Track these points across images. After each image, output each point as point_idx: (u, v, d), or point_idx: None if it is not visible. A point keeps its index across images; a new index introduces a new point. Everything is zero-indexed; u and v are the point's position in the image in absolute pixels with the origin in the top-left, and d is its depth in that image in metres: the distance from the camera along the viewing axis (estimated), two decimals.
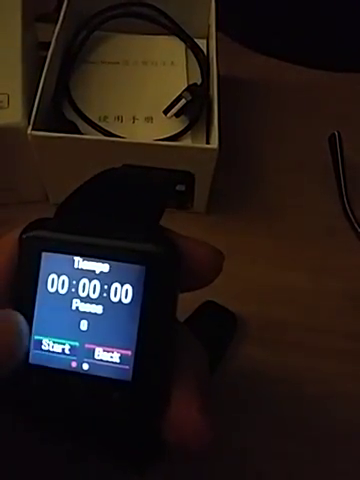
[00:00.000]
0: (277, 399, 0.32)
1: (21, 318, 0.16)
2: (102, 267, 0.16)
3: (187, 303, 0.32)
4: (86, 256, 0.16)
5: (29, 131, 0.32)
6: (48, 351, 0.16)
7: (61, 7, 0.39)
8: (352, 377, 0.33)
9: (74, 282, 0.16)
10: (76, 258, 0.16)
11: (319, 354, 0.34)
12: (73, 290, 0.16)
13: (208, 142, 0.36)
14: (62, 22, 0.38)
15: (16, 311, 0.16)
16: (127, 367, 0.16)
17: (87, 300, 0.16)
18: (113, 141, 0.34)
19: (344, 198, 0.39)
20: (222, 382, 0.32)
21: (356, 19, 0.47)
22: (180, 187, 0.22)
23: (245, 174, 0.41)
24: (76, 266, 0.16)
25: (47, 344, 0.16)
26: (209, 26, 0.41)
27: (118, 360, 0.16)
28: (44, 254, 0.16)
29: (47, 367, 0.16)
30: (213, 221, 0.39)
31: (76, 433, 0.17)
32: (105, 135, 0.36)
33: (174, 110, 0.36)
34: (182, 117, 0.37)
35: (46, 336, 0.16)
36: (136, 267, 0.16)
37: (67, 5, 0.39)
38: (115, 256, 0.16)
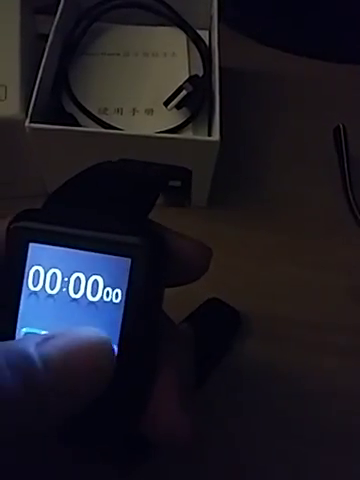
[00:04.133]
0: (280, 396, 0.31)
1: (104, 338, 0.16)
2: (88, 259, 0.16)
3: (190, 300, 0.32)
4: (72, 248, 0.16)
5: (27, 123, 0.31)
6: None
7: None
8: (356, 374, 0.33)
9: (60, 274, 0.16)
10: (62, 250, 0.16)
11: (323, 350, 0.33)
12: (59, 282, 0.16)
13: (210, 134, 0.36)
14: (61, 13, 0.37)
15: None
16: None
17: (72, 292, 0.16)
18: (112, 133, 0.33)
19: (349, 191, 0.39)
20: (224, 379, 0.31)
21: (358, 10, 0.46)
22: (175, 183, 0.21)
23: (248, 167, 0.41)
24: (62, 258, 0.16)
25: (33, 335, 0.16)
26: (211, 17, 0.40)
27: None
28: (31, 245, 0.16)
29: None
30: (215, 215, 0.38)
31: (57, 430, 0.17)
32: (104, 127, 0.35)
33: (175, 102, 0.35)
34: (183, 109, 0.36)
35: (31, 328, 0.16)
36: (122, 259, 0.16)
37: None
38: (101, 248, 0.16)
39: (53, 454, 0.25)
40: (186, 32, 0.41)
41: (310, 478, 0.30)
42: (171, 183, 0.21)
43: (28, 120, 0.31)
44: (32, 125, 0.31)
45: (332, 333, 0.34)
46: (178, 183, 0.22)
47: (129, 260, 0.16)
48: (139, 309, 0.16)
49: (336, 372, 0.32)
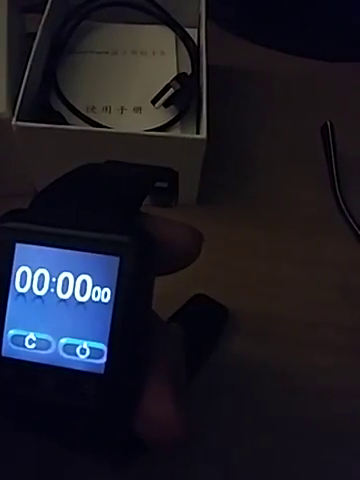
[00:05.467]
0: (276, 395, 0.31)
1: None
2: (75, 259, 0.16)
3: (177, 296, 0.32)
4: (59, 247, 0.16)
5: (13, 122, 0.31)
6: (21, 344, 0.16)
7: None
8: (348, 371, 0.33)
9: (47, 274, 0.16)
10: (50, 250, 0.16)
11: (314, 348, 0.33)
12: (46, 282, 0.16)
13: (198, 132, 0.36)
14: (49, 11, 0.37)
15: None
16: (100, 360, 0.16)
17: (60, 293, 0.16)
18: (100, 132, 0.33)
19: (336, 189, 0.39)
20: (214, 377, 0.31)
21: (349, 8, 0.46)
22: (162, 184, 0.21)
23: (236, 165, 0.41)
24: (50, 258, 0.16)
25: (20, 337, 0.16)
26: (199, 15, 0.40)
27: (91, 353, 0.16)
28: (18, 245, 0.16)
29: (19, 360, 0.16)
30: (204, 213, 0.38)
31: (48, 428, 0.17)
32: (92, 126, 0.35)
33: (162, 100, 0.35)
34: (171, 107, 0.36)
35: (19, 330, 0.16)
36: (110, 258, 0.16)
37: None
38: (89, 247, 0.16)
39: (48, 451, 0.25)
40: (175, 30, 0.41)
41: (308, 477, 0.30)
42: (158, 184, 0.21)
43: (15, 118, 0.31)
44: (19, 123, 0.31)
45: (327, 331, 0.34)
46: (165, 184, 0.22)
47: (117, 259, 0.16)
48: (129, 308, 0.16)
49: (329, 369, 0.32)
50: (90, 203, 0.17)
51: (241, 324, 0.34)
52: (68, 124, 0.35)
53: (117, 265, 0.16)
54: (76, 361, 0.16)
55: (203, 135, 0.32)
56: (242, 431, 0.30)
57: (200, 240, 0.17)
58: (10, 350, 0.16)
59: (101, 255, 0.16)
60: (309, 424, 0.31)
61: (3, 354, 0.16)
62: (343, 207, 0.38)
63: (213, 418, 0.30)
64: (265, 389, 0.31)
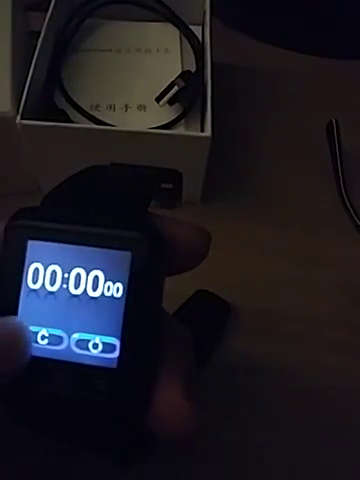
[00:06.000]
0: (277, 393, 0.31)
1: (23, 325, 0.16)
2: (87, 255, 0.16)
3: (180, 292, 0.32)
4: (71, 243, 0.16)
5: (18, 120, 0.31)
6: (33, 340, 0.16)
7: None
8: (351, 369, 0.33)
9: (60, 270, 0.16)
10: (62, 246, 0.16)
11: (316, 346, 0.33)
12: (59, 278, 0.16)
13: (203, 130, 0.35)
14: (53, 9, 0.37)
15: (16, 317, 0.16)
16: (112, 355, 0.16)
17: (72, 288, 0.16)
18: (104, 130, 0.33)
19: (342, 187, 0.39)
20: (216, 374, 0.31)
21: (352, 5, 0.46)
22: (167, 186, 0.22)
23: (241, 163, 0.41)
24: (62, 254, 0.16)
25: (32, 333, 0.16)
26: (204, 12, 0.40)
27: (103, 348, 0.16)
28: (30, 242, 0.16)
29: (32, 356, 0.16)
30: (208, 211, 0.38)
31: (59, 424, 0.17)
32: (97, 124, 0.35)
33: (166, 98, 0.35)
34: (176, 105, 0.36)
35: (31, 326, 0.16)
36: (122, 253, 0.16)
37: None
38: (101, 243, 0.16)
39: (53, 451, 0.25)
40: (179, 28, 0.41)
41: (309, 476, 0.29)
42: (162, 185, 0.21)
43: (19, 117, 0.31)
44: (23, 122, 0.31)
45: (330, 330, 0.34)
46: (169, 186, 0.22)
47: (129, 254, 0.16)
48: (140, 302, 0.16)
49: (332, 368, 0.32)
50: (99, 202, 0.17)
51: (243, 322, 0.34)
52: (72, 122, 0.35)
53: (129, 260, 0.16)
54: (88, 356, 0.16)
55: (208, 133, 0.32)
56: (242, 431, 0.30)
57: (208, 239, 0.17)
58: None
59: (113, 250, 0.16)
60: (310, 423, 0.31)
61: None
62: (348, 205, 0.38)
63: (213, 418, 0.30)
64: (266, 387, 0.31)
